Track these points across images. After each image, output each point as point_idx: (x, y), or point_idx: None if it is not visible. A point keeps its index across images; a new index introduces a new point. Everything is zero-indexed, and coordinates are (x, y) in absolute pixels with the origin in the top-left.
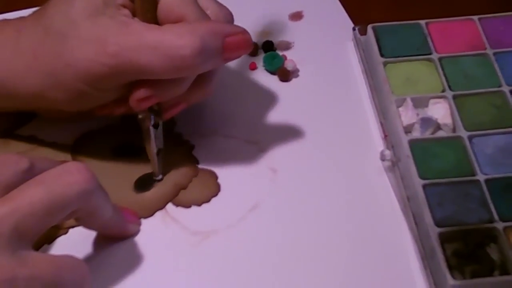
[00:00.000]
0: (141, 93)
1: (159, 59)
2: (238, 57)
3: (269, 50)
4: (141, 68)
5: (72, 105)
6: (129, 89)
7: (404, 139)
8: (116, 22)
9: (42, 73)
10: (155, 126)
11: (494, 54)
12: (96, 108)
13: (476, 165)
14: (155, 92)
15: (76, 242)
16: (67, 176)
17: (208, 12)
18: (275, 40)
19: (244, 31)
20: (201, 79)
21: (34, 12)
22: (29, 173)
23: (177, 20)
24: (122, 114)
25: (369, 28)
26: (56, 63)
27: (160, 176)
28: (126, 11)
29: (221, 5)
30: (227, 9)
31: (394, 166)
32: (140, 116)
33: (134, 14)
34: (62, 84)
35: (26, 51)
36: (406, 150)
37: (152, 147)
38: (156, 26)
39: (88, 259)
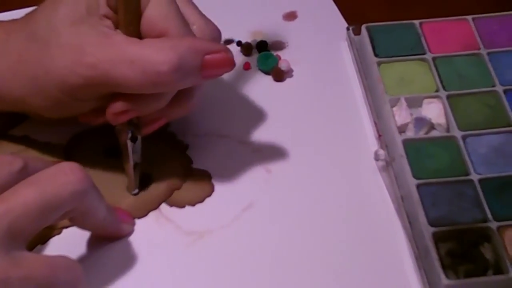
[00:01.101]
0: (117, 106)
1: (136, 74)
2: (220, 75)
3: (263, 50)
4: (117, 81)
5: (51, 112)
6: (108, 101)
7: (398, 139)
8: (97, 32)
9: (24, 78)
10: (133, 139)
11: (488, 54)
12: (79, 115)
13: (470, 164)
14: (132, 106)
15: (69, 243)
16: (61, 176)
17: (194, 27)
18: (269, 40)
19: (225, 49)
20: (182, 95)
21: (25, 16)
22: (23, 174)
23: (160, 35)
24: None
25: (363, 28)
26: (37, 69)
27: (136, 191)
28: (109, 22)
29: (208, 20)
30: (214, 25)
31: (388, 165)
32: (117, 128)
33: (116, 26)
34: (42, 90)
35: (12, 54)
36: (400, 149)
37: (129, 161)
38: (137, 39)
39: (82, 260)
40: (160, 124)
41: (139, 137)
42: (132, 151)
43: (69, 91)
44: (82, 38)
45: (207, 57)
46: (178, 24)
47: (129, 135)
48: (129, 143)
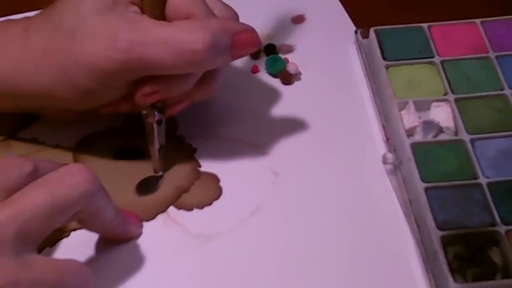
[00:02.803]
0: (147, 88)
1: (170, 54)
2: (246, 54)
3: (271, 53)
4: (151, 63)
5: (79, 103)
6: (136, 86)
7: (406, 142)
8: (126, 18)
9: (51, 70)
10: (158, 122)
11: (496, 57)
12: (101, 106)
13: (478, 168)
14: (161, 88)
15: (78, 245)
16: (69, 177)
17: (215, 12)
18: (277, 43)
19: (252, 29)
20: (206, 77)
21: (43, 11)
22: (33, 176)
23: (184, 18)
24: (125, 114)
25: (371, 31)
26: (65, 60)
27: (161, 173)
28: (135, 8)
29: (227, 6)
30: (233, 10)
31: (396, 169)
32: (144, 112)
33: (142, 11)
34: (71, 81)
35: (35, 49)
36: (408, 153)
37: (155, 144)
38: (166, 22)
39: (90, 262)
40: (183, 106)
41: (163, 120)
42: (158, 133)
43: (101, 78)
44: (112, 25)
45: (237, 36)
46: (203, 7)
47: (156, 118)
48: (155, 126)
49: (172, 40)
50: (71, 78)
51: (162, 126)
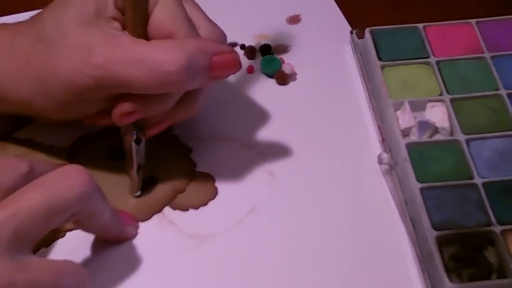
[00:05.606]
0: (124, 107)
1: (144, 74)
2: (226, 76)
3: (266, 54)
4: (125, 81)
5: (58, 113)
6: (114, 102)
7: (402, 143)
8: (105, 33)
9: (31, 79)
10: (137, 141)
11: (492, 57)
12: (83, 118)
13: (473, 168)
14: (138, 108)
15: (73, 246)
16: (66, 179)
17: (200, 30)
18: (273, 43)
19: (232, 51)
20: (187, 97)
21: (31, 17)
22: (29, 177)
23: (166, 37)
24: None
25: (367, 31)
26: (44, 71)
27: (139, 193)
28: (116, 24)
29: (214, 24)
30: (220, 29)
31: (391, 169)
32: (122, 129)
33: (124, 28)
34: (49, 92)
35: (18, 56)
36: (403, 153)
37: (133, 163)
38: (144, 41)
39: (86, 263)
40: (164, 126)
41: (143, 139)
42: (136, 153)
43: (76, 92)
44: (90, 39)
45: (215, 58)
46: (185, 26)
47: (134, 137)
48: (134, 145)
49: (147, 59)
50: (48, 89)
51: (142, 145)
